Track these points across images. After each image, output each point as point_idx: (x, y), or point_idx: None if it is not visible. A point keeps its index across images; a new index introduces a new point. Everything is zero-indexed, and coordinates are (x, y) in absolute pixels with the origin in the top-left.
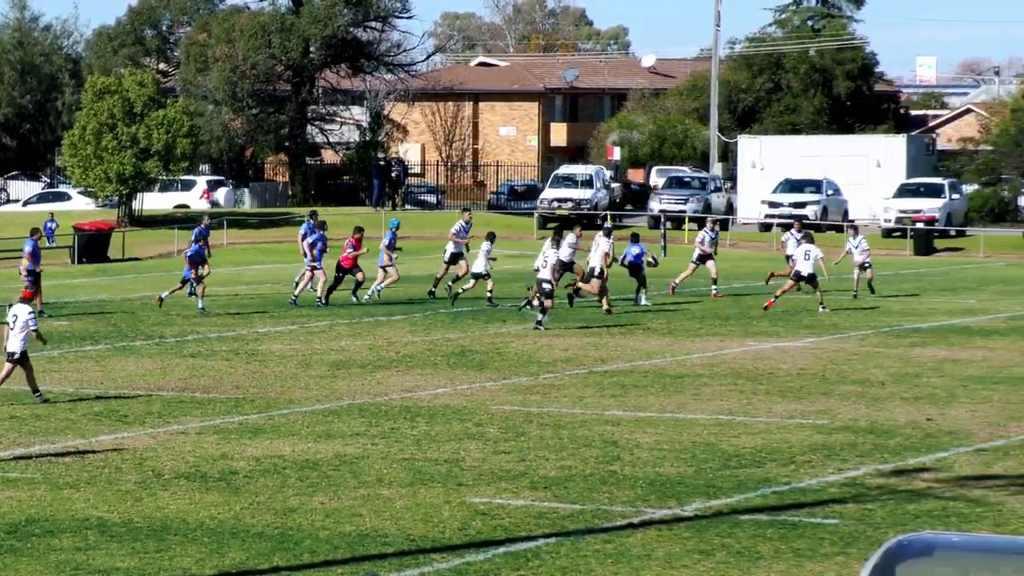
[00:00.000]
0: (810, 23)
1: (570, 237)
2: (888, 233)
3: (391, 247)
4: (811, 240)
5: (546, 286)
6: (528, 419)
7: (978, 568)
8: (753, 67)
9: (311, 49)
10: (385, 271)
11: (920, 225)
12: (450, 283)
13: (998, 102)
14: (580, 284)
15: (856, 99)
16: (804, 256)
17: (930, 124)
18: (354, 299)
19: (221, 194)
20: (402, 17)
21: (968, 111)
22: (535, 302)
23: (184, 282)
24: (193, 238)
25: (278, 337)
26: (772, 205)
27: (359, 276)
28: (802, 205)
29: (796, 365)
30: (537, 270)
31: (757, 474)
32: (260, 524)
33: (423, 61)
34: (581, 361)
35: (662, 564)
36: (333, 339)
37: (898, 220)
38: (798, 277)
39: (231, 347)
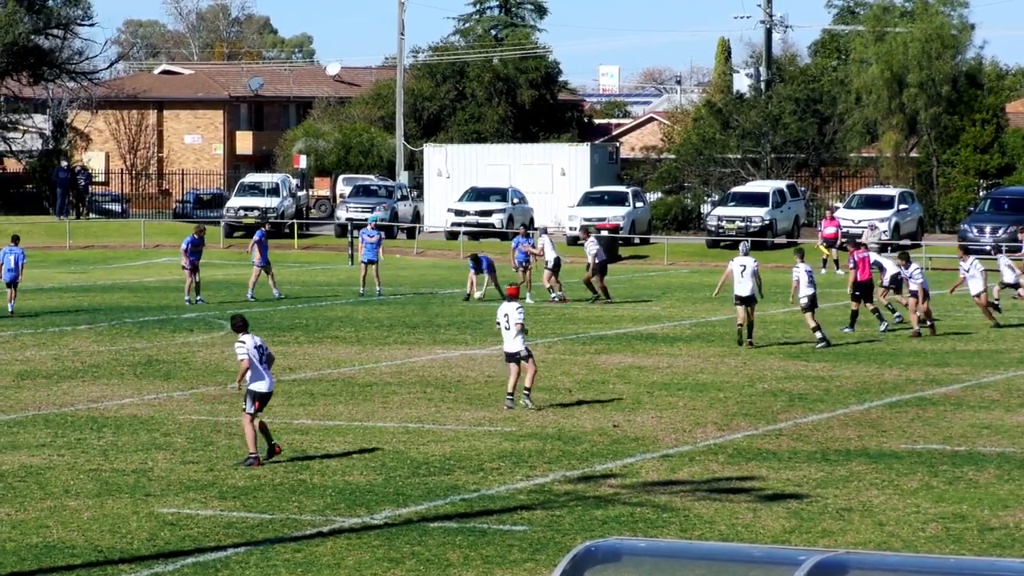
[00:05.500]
0: (493, 32)
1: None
2: (573, 241)
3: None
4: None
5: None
6: (216, 429)
7: (664, 573)
8: (437, 76)
9: None
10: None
11: (604, 233)
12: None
13: (680, 111)
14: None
15: (540, 108)
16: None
17: (613, 132)
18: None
19: None
20: (84, 24)
21: (650, 120)
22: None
23: None
24: None
25: None
26: (458, 213)
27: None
28: (488, 213)
29: (484, 372)
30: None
31: (446, 482)
32: None
33: (106, 69)
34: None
35: (352, 572)
36: (17, 349)
37: (582, 228)
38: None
39: None
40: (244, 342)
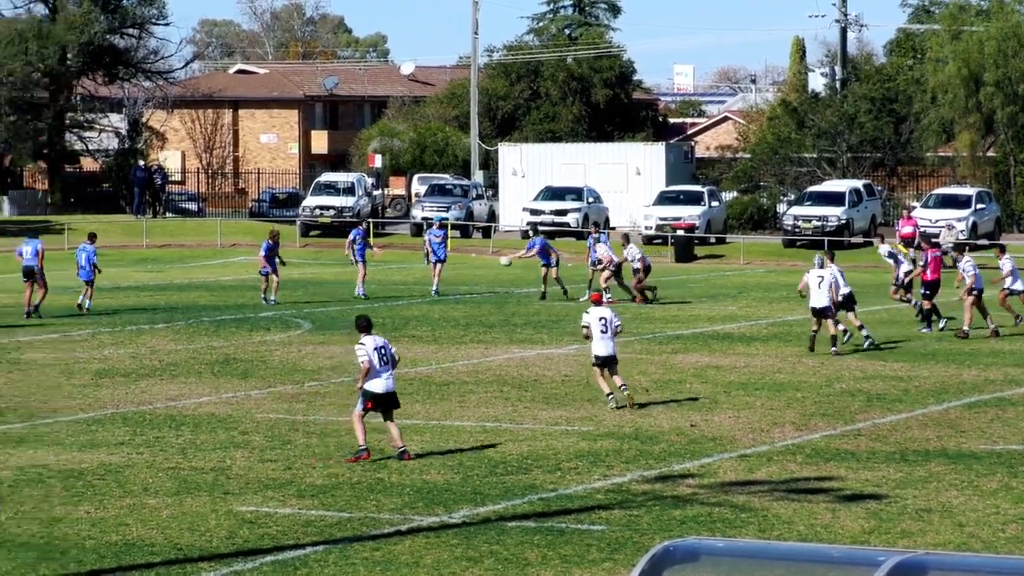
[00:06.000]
0: (567, 31)
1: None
2: (649, 240)
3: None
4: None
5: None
6: (294, 427)
7: (742, 573)
8: (512, 75)
9: (68, 56)
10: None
11: (680, 232)
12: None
13: (755, 110)
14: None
15: (615, 107)
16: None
17: (688, 132)
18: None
19: None
20: (159, 24)
21: (725, 119)
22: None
23: None
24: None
25: (40, 346)
26: (534, 212)
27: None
28: (564, 212)
29: (561, 372)
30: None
31: (524, 481)
32: (25, 534)
33: (181, 68)
34: (346, 369)
35: (430, 571)
36: (96, 348)
37: (658, 227)
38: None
39: None
40: (364, 344)
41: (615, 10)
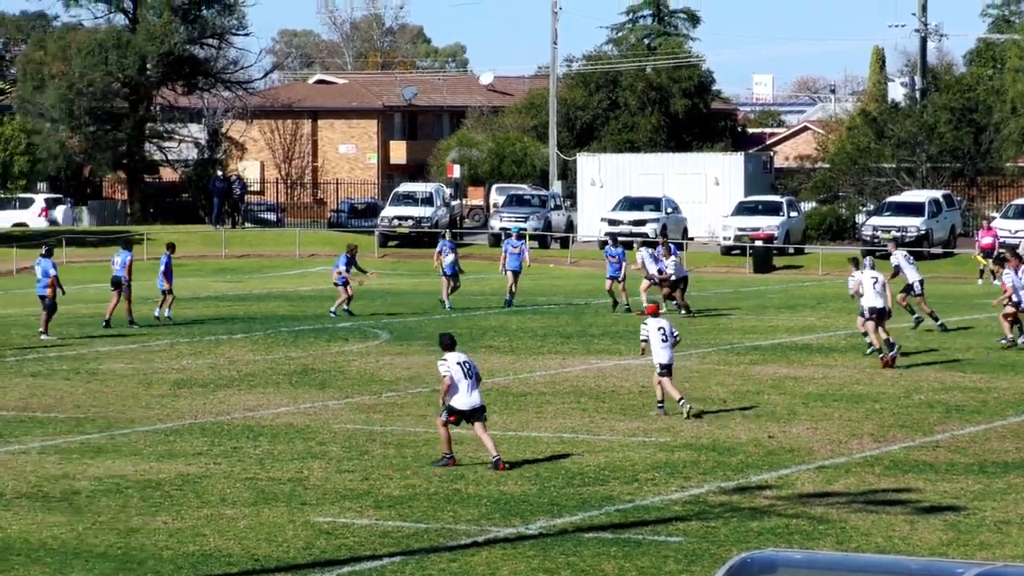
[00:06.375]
0: (646, 41)
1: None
2: (727, 251)
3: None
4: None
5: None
6: (371, 438)
7: None
8: (590, 85)
9: (148, 66)
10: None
11: (759, 243)
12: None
13: (834, 120)
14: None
15: (693, 117)
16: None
17: (767, 142)
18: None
19: (59, 212)
20: (239, 34)
21: (804, 129)
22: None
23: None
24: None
25: (119, 356)
26: (612, 223)
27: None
28: (642, 223)
29: (638, 383)
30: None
31: (600, 492)
32: (103, 544)
33: (261, 79)
34: (423, 380)
35: None
36: (174, 358)
37: (737, 238)
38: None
39: (71, 366)
40: (446, 359)
41: (694, 20)
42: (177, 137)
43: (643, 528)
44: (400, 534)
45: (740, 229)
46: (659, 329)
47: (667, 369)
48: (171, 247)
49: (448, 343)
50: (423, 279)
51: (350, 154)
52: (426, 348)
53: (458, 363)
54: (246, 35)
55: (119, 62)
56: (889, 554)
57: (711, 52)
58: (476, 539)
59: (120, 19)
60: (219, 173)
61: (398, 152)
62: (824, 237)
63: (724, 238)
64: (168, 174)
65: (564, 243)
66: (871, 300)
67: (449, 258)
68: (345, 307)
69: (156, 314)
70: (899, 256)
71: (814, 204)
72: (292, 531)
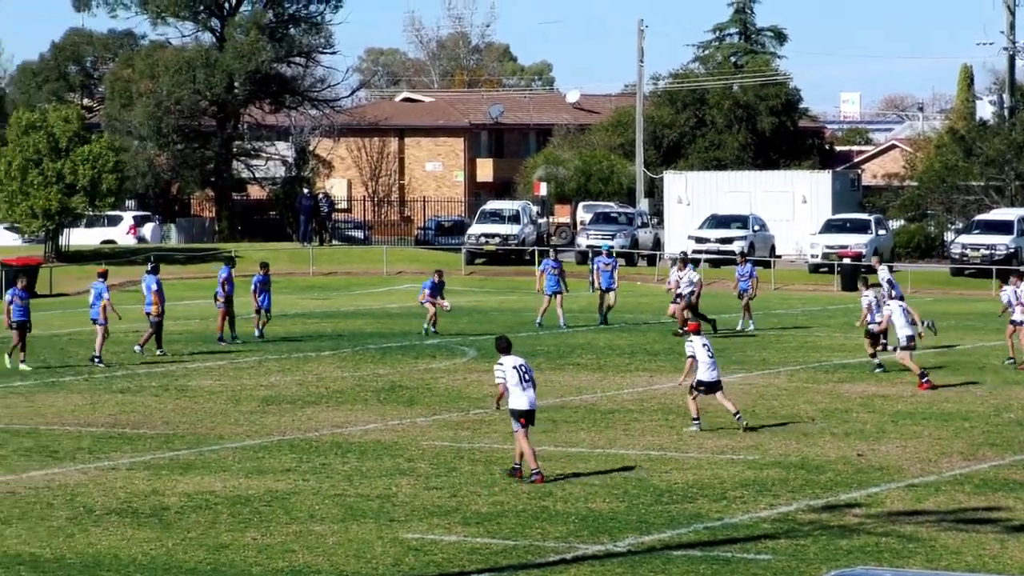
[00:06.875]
0: (733, 59)
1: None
2: (815, 268)
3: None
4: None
5: None
6: (459, 455)
7: None
8: (677, 103)
9: (235, 84)
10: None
11: (847, 260)
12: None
13: (922, 138)
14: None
15: (780, 135)
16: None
17: (855, 160)
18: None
19: (148, 230)
20: (326, 53)
21: (893, 147)
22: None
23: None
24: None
25: (207, 373)
26: (699, 241)
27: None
28: (729, 241)
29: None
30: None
31: (689, 510)
32: (192, 560)
33: (348, 97)
34: None
35: None
36: (262, 375)
37: (824, 255)
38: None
39: (160, 383)
40: (502, 364)
41: (781, 38)
42: (264, 155)
43: (732, 546)
44: (488, 551)
45: (828, 247)
46: (704, 346)
47: (710, 387)
48: (264, 267)
49: (504, 346)
50: (508, 296)
51: (437, 172)
52: None
53: (514, 367)
54: (333, 53)
55: (207, 80)
56: (979, 573)
57: (798, 70)
58: (564, 556)
59: (208, 37)
60: (306, 191)
61: (484, 170)
62: (913, 255)
63: (812, 256)
64: (256, 192)
65: (651, 261)
66: (905, 329)
67: (551, 279)
68: (432, 326)
69: (256, 332)
70: (884, 271)
71: (902, 222)
72: (381, 548)
